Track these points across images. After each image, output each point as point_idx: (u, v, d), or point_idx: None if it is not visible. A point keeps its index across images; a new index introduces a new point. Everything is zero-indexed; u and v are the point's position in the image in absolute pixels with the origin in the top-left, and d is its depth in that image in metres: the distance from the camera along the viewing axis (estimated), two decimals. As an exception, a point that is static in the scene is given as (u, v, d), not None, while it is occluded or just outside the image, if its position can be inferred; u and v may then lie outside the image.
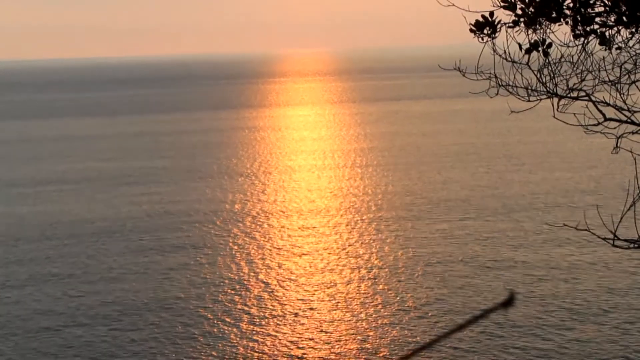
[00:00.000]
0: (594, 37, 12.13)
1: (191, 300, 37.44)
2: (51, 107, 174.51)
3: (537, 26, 11.99)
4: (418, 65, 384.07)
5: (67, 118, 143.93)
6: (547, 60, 12.44)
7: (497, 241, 46.00)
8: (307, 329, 33.58)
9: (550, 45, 12.15)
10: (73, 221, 54.84)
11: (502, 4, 11.95)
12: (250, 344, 32.08)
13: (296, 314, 35.32)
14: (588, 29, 12.02)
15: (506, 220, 50.80)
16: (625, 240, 12.97)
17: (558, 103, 12.73)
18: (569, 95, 12.74)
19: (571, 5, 11.89)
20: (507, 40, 12.04)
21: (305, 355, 31.00)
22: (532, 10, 11.86)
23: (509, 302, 4.09)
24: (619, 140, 12.94)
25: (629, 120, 12.87)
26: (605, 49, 12.24)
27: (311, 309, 35.96)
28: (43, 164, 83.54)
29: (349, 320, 34.29)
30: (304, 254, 45.07)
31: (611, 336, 31.48)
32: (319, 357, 30.85)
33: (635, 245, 12.90)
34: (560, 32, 12.06)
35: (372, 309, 35.49)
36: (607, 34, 12.07)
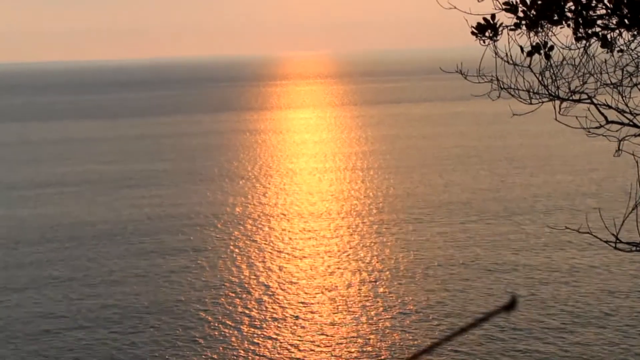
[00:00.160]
0: (595, 40, 12.10)
1: (192, 303, 37.41)
2: (51, 110, 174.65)
3: (539, 29, 11.96)
4: (419, 67, 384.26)
5: (67, 120, 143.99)
6: (548, 63, 12.41)
7: (498, 244, 45.96)
8: (308, 332, 33.54)
9: (552, 48, 12.12)
10: (73, 224, 54.82)
11: (503, 7, 11.92)
12: (251, 347, 32.04)
13: (297, 317, 35.28)
14: (590, 31, 11.98)
15: (508, 223, 50.76)
16: (627, 244, 12.94)
17: (560, 106, 12.70)
18: (570, 98, 12.71)
19: (573, 7, 11.85)
20: (508, 42, 12.01)
21: (306, 358, 30.96)
22: (534, 12, 11.82)
23: (511, 306, 4.04)
24: (621, 143, 12.89)
25: (631, 123, 12.83)
26: (607, 52, 12.21)
27: (312, 312, 35.92)
28: (43, 166, 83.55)
29: (350, 323, 34.24)
30: (304, 256, 45.04)
31: (612, 339, 31.43)
32: (320, 360, 30.82)
33: (637, 249, 12.87)
34: (562, 35, 12.04)
35: (373, 312, 35.45)
36: (609, 36, 12.03)
